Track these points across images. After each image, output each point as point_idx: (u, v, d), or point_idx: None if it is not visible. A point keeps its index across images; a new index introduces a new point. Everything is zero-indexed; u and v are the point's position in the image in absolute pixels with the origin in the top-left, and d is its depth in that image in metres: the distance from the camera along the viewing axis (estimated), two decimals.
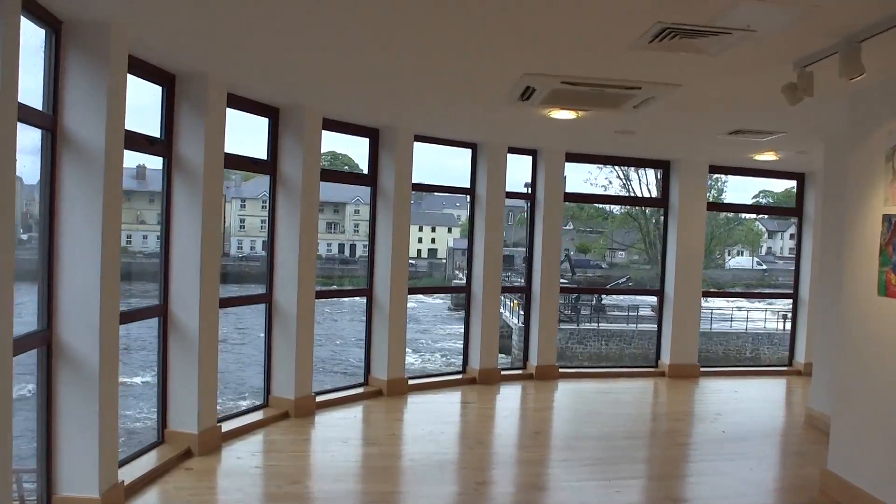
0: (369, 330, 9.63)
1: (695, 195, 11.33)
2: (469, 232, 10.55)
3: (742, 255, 63.09)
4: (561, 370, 11.01)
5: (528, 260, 11.10)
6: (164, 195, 6.61)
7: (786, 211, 19.35)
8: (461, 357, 10.75)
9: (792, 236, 79.19)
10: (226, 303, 7.66)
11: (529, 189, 10.92)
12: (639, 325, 34.27)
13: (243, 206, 66.02)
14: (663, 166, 11.47)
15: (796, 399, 10.45)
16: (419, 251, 58.96)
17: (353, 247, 61.61)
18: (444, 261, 58.47)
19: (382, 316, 9.45)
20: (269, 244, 8.20)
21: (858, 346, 6.04)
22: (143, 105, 6.52)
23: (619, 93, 6.52)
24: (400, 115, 8.62)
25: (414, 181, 9.57)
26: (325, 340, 30.58)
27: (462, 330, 10.71)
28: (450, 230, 64.27)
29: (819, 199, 11.01)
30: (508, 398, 10.06)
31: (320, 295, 8.76)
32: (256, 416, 8.02)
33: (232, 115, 7.10)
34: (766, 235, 66.92)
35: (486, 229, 10.32)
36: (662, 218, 11.58)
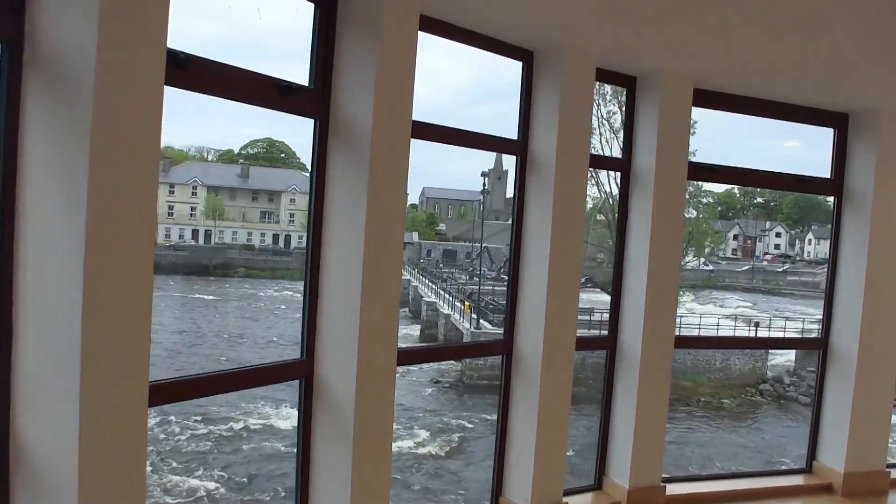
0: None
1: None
2: (514, 229, 4.99)
3: (687, 255, 59.78)
4: (667, 487, 5.54)
5: (616, 285, 5.58)
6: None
7: None
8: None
9: (736, 237, 77.60)
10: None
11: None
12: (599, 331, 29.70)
13: (172, 192, 60.46)
14: (837, 123, 6.12)
15: None
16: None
17: (288, 238, 56.45)
18: None
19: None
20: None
21: None
22: None
23: None
24: None
25: None
26: None
27: None
28: None
29: None
30: None
31: None
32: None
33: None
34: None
35: (556, 221, 4.81)
36: (835, 211, 6.20)
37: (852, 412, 5.95)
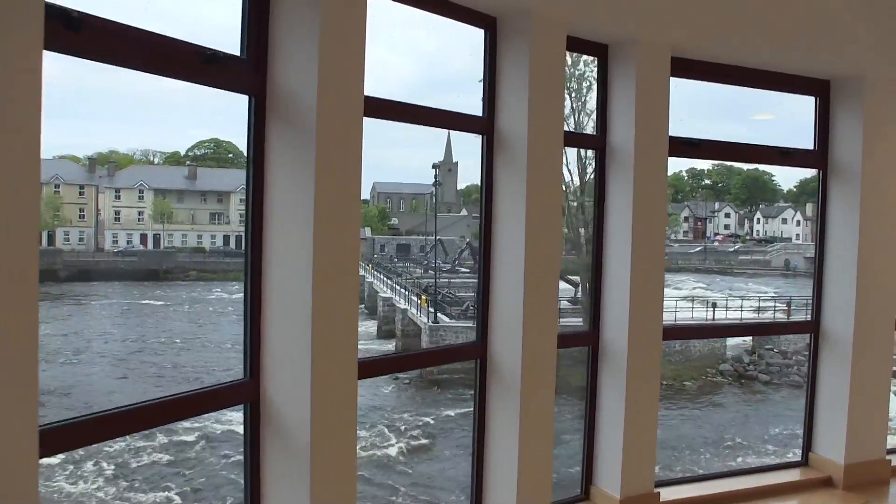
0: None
1: (891, 142, 5.57)
2: (482, 218, 4.45)
3: None
4: (661, 491, 5.06)
5: (595, 276, 5.06)
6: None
7: None
8: None
9: (686, 219, 78.23)
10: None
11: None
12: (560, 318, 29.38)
13: (118, 197, 58.84)
14: (819, 90, 5.69)
15: None
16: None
17: (239, 238, 55.32)
18: None
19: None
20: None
21: None
22: None
23: None
24: None
25: None
26: None
27: None
28: None
29: None
30: None
31: None
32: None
33: None
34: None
35: (531, 207, 4.26)
36: (820, 185, 5.77)
37: (850, 399, 5.53)
